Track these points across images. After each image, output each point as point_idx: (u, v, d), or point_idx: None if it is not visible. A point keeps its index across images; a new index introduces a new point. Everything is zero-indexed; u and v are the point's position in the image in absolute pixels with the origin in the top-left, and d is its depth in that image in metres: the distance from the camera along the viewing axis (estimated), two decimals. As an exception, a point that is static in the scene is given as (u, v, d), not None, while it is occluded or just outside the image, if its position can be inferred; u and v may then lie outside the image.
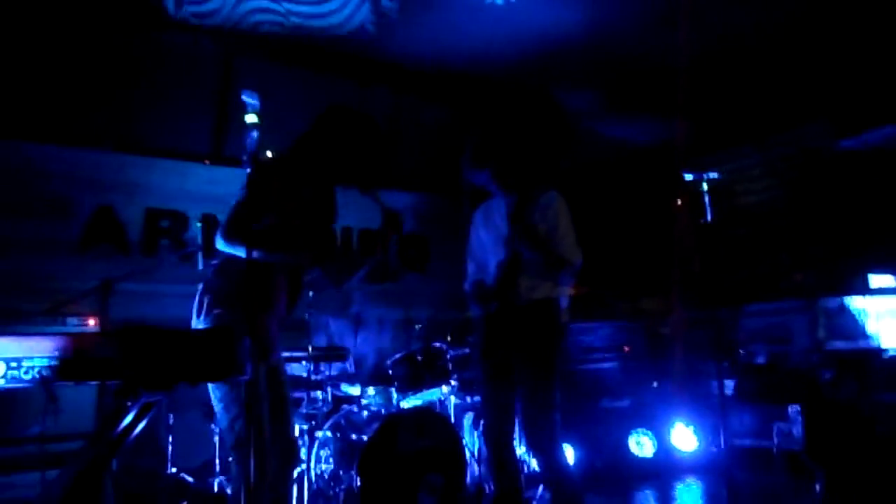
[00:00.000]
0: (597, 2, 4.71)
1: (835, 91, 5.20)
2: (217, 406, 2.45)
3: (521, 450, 3.83)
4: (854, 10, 4.62)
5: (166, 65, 4.78)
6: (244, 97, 2.23)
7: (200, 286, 2.59)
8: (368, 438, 3.63)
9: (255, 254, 2.28)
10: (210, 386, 2.43)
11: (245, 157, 2.31)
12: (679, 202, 5.70)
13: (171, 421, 3.93)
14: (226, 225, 2.48)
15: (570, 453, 4.75)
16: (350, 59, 5.34)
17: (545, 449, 3.09)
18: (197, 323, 2.54)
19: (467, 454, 3.98)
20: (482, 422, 3.59)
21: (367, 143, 2.77)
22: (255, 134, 2.29)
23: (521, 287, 3.22)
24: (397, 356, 4.21)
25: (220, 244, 2.49)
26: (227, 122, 5.00)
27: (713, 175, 3.53)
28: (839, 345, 4.37)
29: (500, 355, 3.23)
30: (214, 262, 2.64)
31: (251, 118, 2.26)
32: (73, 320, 3.63)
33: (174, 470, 3.92)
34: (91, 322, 3.62)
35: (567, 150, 6.45)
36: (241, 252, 2.35)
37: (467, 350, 4.37)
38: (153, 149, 4.89)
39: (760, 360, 4.93)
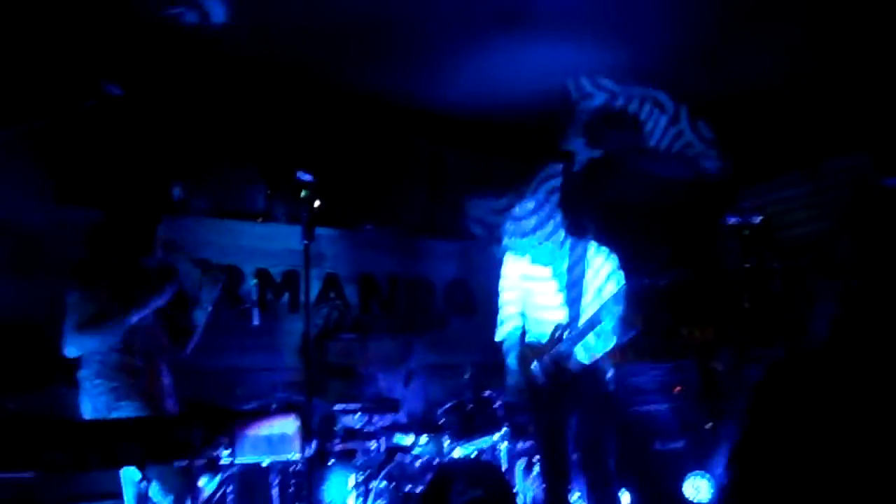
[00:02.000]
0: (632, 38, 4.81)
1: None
2: None
3: (575, 496, 3.83)
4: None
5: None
6: (299, 175, 2.39)
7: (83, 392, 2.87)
8: (422, 490, 3.68)
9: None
10: None
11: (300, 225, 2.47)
12: (725, 237, 5.69)
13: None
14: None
15: (625, 499, 4.71)
16: (392, 110, 5.52)
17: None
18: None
19: (520, 502, 4.00)
20: (537, 468, 3.64)
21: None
22: (309, 206, 2.45)
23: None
24: (448, 405, 4.28)
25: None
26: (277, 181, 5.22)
27: (756, 219, 3.56)
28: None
29: (554, 407, 3.29)
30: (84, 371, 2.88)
31: (305, 192, 2.42)
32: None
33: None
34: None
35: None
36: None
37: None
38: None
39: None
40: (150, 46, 4.33)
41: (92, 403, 2.74)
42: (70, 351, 2.77)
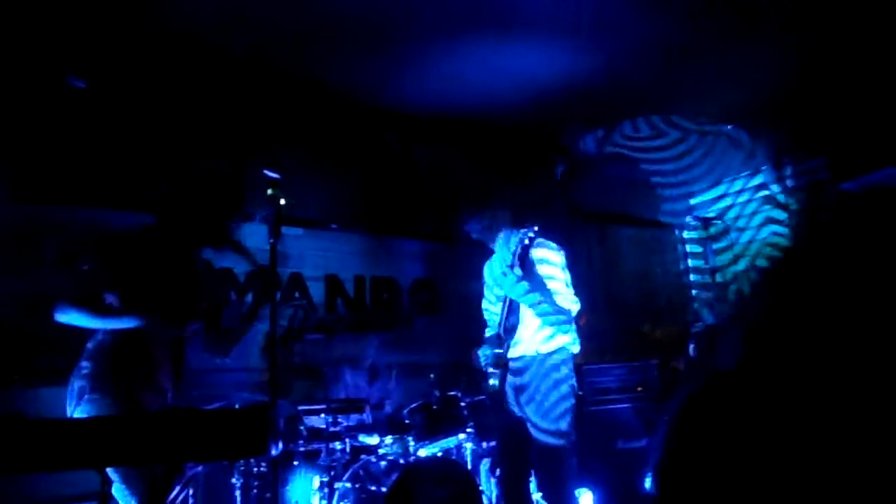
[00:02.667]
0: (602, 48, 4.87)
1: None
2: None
3: (537, 495, 3.86)
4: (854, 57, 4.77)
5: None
6: (266, 172, 2.36)
7: (74, 372, 2.56)
8: (387, 490, 3.67)
9: (97, 321, 2.42)
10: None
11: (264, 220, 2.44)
12: (687, 238, 5.81)
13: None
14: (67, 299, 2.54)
15: (588, 497, 4.77)
16: (360, 109, 5.50)
17: (559, 496, 3.16)
18: (72, 411, 2.48)
19: (485, 501, 4.01)
20: (499, 468, 3.66)
21: (214, 203, 2.87)
22: (276, 203, 2.42)
23: (527, 338, 3.32)
24: (413, 405, 4.28)
25: (59, 316, 2.53)
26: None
27: (717, 223, 3.65)
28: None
29: (515, 405, 3.32)
30: (89, 344, 2.61)
31: (272, 190, 2.40)
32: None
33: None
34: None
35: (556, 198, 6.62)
36: (80, 320, 2.47)
37: (482, 396, 4.43)
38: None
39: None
40: (111, 39, 4.25)
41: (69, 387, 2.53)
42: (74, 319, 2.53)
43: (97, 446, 1.41)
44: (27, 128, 4.15)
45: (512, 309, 3.35)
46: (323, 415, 4.10)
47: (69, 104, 3.86)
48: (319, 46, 4.58)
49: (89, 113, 4.41)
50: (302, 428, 4.13)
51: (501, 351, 3.36)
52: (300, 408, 4.22)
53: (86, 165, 4.43)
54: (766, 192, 6.45)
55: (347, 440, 4.15)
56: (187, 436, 1.45)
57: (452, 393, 4.32)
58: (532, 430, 3.27)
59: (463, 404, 4.25)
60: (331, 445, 4.05)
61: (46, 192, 4.22)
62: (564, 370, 3.34)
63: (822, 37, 4.51)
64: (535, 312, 3.30)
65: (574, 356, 3.43)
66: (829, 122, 5.28)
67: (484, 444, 4.50)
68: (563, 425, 3.25)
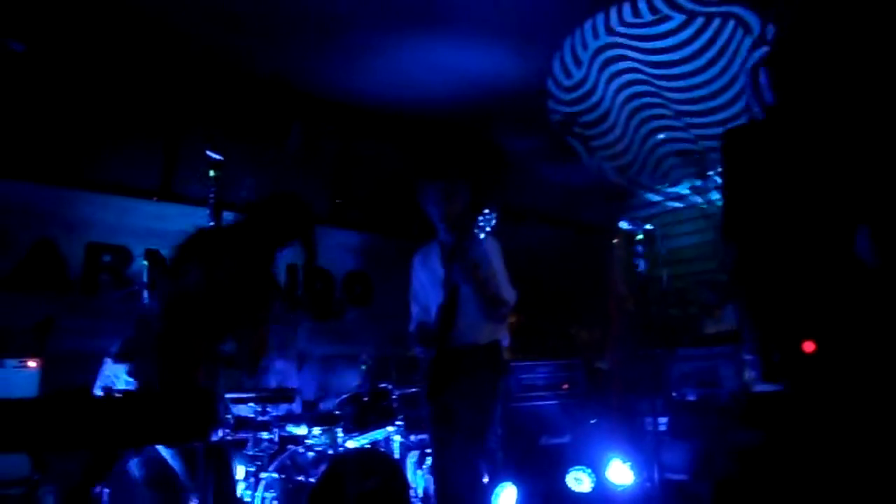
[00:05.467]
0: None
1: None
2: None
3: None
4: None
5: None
6: (209, 153, 2.31)
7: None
8: (315, 481, 3.65)
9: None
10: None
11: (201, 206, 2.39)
12: (615, 242, 5.98)
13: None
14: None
15: (511, 492, 4.86)
16: (301, 97, 5.43)
17: (455, 481, 3.19)
18: (113, 368, 2.50)
19: (412, 493, 4.04)
20: (430, 460, 3.68)
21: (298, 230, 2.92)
22: (218, 186, 2.37)
23: (461, 329, 3.34)
24: (343, 396, 4.26)
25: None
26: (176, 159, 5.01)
27: (648, 227, 3.77)
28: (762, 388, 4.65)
29: (444, 396, 3.33)
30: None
31: (214, 171, 2.34)
32: (12, 362, 3.53)
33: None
34: (32, 364, 3.53)
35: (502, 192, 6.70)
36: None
37: (413, 389, 4.45)
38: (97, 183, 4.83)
39: (692, 398, 5.18)
40: (49, 4, 4.05)
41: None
42: None
43: (37, 428, 1.36)
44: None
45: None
46: (251, 404, 4.04)
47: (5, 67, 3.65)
48: (263, 34, 4.50)
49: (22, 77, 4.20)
50: (229, 417, 4.05)
51: None
52: (228, 396, 4.14)
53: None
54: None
55: (276, 430, 4.10)
56: (128, 419, 1.41)
57: (383, 385, 4.32)
58: None
59: (394, 397, 4.25)
60: (258, 435, 3.99)
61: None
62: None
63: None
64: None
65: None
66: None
67: (412, 437, 4.53)
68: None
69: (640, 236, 3.85)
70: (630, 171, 6.27)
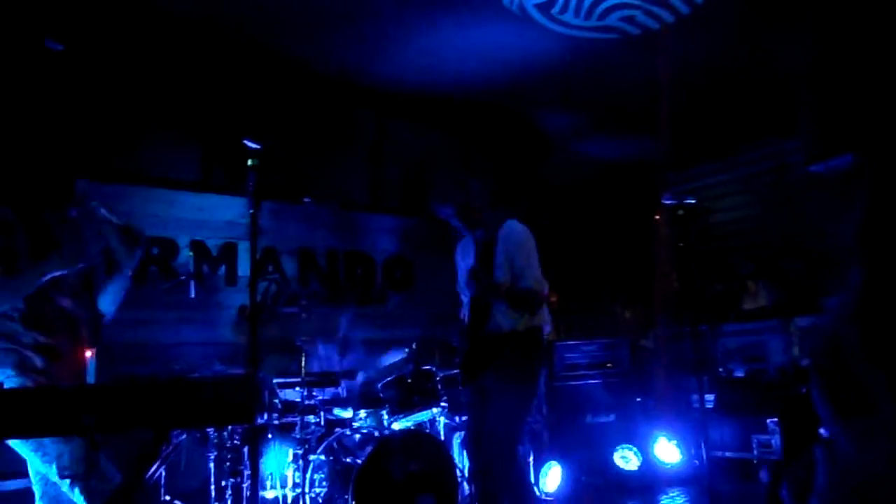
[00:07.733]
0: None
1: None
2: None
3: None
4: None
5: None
6: (246, 142, 2.33)
7: None
8: (361, 462, 3.70)
9: None
10: None
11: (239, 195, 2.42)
12: (658, 219, 5.88)
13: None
14: None
15: (556, 471, 4.87)
16: (335, 84, 5.45)
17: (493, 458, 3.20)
18: None
19: (458, 474, 4.07)
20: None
21: None
22: (256, 175, 2.40)
23: (497, 319, 3.33)
24: (388, 379, 4.30)
25: None
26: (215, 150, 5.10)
27: (690, 200, 3.69)
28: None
29: (479, 381, 3.35)
30: None
31: (252, 161, 2.37)
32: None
33: (168, 498, 3.96)
34: (87, 354, 3.64)
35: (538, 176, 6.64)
36: None
37: (456, 371, 4.47)
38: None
39: (739, 374, 5.10)
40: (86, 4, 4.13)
41: None
42: None
43: (82, 413, 1.40)
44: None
45: None
46: (298, 388, 4.11)
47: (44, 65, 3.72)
48: (296, 22, 4.52)
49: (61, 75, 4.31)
50: (276, 401, 4.13)
51: None
52: (275, 381, 4.23)
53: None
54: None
55: (322, 413, 4.16)
56: (176, 403, 1.45)
57: (427, 367, 4.35)
58: None
59: (437, 378, 4.28)
60: (305, 419, 4.06)
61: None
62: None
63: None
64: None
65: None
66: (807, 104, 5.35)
67: (457, 418, 4.56)
68: None
69: (682, 212, 3.77)
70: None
